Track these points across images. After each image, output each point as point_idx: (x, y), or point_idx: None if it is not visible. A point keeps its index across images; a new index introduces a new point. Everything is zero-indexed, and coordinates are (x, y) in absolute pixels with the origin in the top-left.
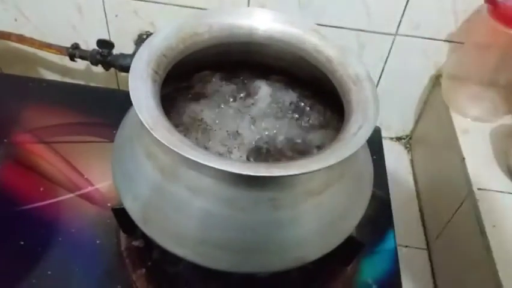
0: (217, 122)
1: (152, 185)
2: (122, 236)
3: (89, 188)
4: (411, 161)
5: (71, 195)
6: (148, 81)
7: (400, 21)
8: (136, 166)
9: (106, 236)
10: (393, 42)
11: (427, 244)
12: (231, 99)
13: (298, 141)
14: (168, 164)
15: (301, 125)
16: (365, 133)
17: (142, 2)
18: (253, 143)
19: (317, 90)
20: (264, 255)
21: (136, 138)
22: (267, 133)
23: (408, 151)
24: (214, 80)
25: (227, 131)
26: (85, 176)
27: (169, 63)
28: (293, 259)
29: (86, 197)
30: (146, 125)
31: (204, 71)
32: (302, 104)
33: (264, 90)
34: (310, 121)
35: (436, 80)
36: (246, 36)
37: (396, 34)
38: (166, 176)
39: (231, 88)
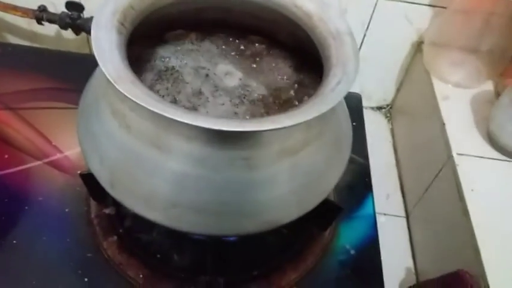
0: (188, 79)
1: (119, 145)
2: (93, 204)
3: (58, 155)
4: (392, 130)
5: (39, 162)
6: (112, 32)
7: None
8: (102, 126)
9: (75, 204)
10: (375, 6)
11: (406, 212)
12: (205, 59)
13: (273, 100)
14: (135, 121)
15: (278, 86)
16: (344, 87)
17: None
18: (226, 102)
19: (298, 52)
20: (238, 217)
21: (101, 96)
22: (240, 94)
23: (388, 120)
24: (188, 39)
25: (198, 90)
26: (53, 143)
27: (138, 16)
28: (268, 221)
29: (55, 165)
30: (109, 78)
31: (179, 29)
32: (281, 66)
33: (241, 51)
34: (288, 82)
35: (418, 47)
36: None
37: None
38: (133, 134)
39: (206, 48)
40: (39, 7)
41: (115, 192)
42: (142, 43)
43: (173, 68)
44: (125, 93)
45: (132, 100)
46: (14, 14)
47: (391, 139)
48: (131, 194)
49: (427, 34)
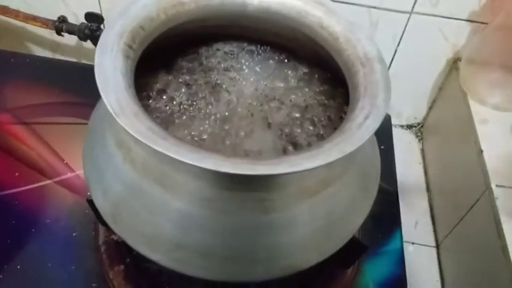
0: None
1: (123, 180)
2: (101, 229)
3: (69, 175)
4: (422, 151)
5: (49, 181)
6: (118, 56)
7: None
8: (106, 156)
9: (83, 228)
10: (408, 20)
11: (436, 242)
12: (220, 76)
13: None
14: (139, 156)
15: (296, 110)
16: (373, 124)
17: None
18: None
19: (321, 73)
20: (249, 263)
21: (106, 124)
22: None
23: (419, 140)
24: (201, 56)
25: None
26: (65, 161)
27: (148, 36)
28: (283, 268)
29: (65, 184)
30: (110, 110)
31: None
32: (301, 86)
33: (257, 65)
34: (308, 106)
35: (453, 64)
36: (239, 7)
37: (411, 12)
38: (137, 170)
39: (223, 63)
40: (59, 18)
41: (117, 228)
42: (151, 61)
43: (186, 85)
44: (127, 128)
45: (134, 136)
46: (34, 25)
47: (421, 160)
48: (133, 232)
49: (465, 51)
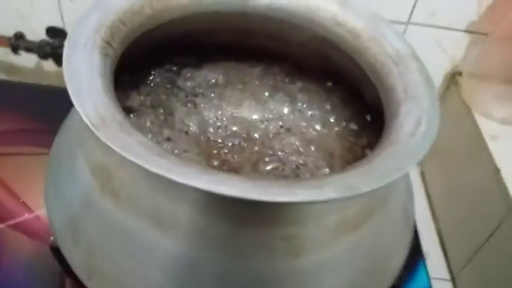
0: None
1: (101, 218)
2: (69, 283)
3: (26, 216)
4: (422, 174)
5: (1, 225)
6: (94, 53)
7: (414, 6)
8: (77, 188)
9: (45, 283)
10: (404, 31)
11: (451, 274)
12: (216, 94)
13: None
14: (125, 185)
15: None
16: (430, 130)
17: None
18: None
19: (330, 87)
20: None
21: (76, 146)
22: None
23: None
24: (191, 66)
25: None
26: (21, 200)
27: (129, 33)
28: None
29: (22, 228)
30: (86, 120)
31: (181, 55)
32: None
33: (258, 80)
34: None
35: (452, 79)
36: (239, 3)
37: (408, 22)
38: (121, 203)
39: (212, 75)
40: (15, 34)
41: (92, 284)
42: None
43: (167, 99)
44: (110, 144)
45: (121, 154)
46: None
47: (422, 184)
48: None
49: (465, 64)
